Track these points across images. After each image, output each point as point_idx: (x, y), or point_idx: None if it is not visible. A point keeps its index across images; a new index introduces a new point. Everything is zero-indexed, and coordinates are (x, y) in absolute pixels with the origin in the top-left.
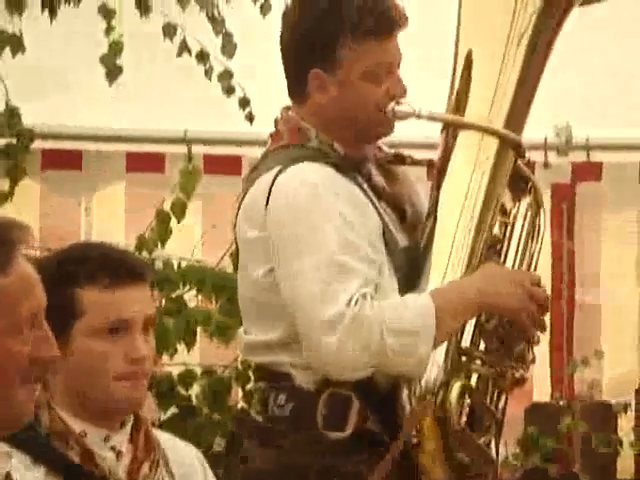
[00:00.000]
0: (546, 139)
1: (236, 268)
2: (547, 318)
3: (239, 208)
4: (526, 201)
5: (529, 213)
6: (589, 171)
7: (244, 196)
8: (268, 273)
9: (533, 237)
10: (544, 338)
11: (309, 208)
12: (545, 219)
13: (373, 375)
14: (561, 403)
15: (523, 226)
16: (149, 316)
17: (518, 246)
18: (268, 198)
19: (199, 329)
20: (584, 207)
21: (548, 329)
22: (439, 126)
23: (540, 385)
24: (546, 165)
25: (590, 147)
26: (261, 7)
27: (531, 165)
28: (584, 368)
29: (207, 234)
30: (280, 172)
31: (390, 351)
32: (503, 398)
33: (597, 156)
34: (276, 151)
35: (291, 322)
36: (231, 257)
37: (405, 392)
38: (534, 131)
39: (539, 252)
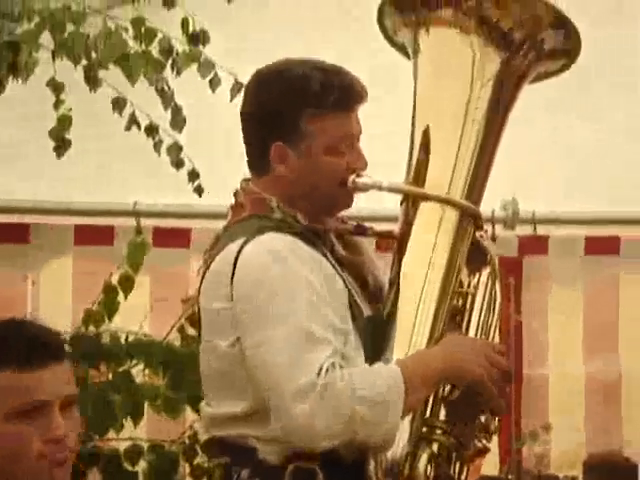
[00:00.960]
0: (493, 213)
1: (185, 341)
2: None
3: (202, 280)
4: (486, 272)
5: (488, 285)
6: (536, 245)
7: (207, 268)
8: (233, 344)
9: (491, 308)
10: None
11: (277, 277)
12: (502, 290)
13: (338, 448)
14: (510, 477)
15: (483, 297)
16: (67, 396)
17: (479, 317)
18: (234, 269)
19: (146, 404)
20: (531, 280)
21: None
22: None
23: (488, 458)
24: (493, 239)
25: (536, 221)
26: (210, 81)
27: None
28: (532, 441)
29: (156, 307)
30: (246, 243)
31: (360, 420)
32: (465, 469)
33: (543, 230)
34: (239, 222)
35: (257, 394)
36: (179, 330)
37: (372, 464)
38: (481, 205)
39: (496, 323)
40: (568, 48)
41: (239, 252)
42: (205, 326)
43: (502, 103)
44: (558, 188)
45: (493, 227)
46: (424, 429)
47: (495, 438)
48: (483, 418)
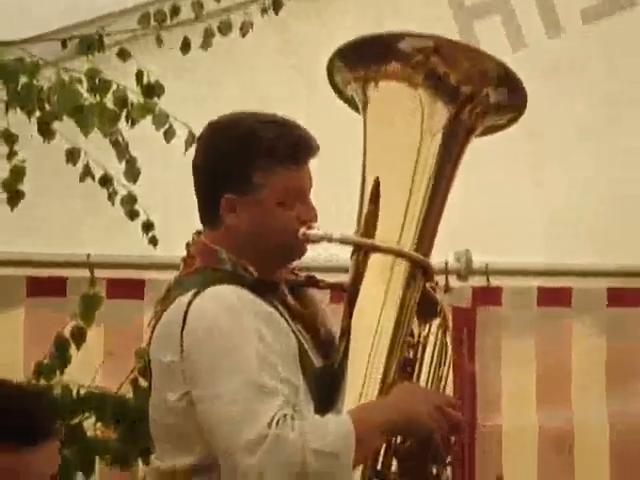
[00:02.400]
0: (447, 264)
1: (137, 394)
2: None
3: (152, 332)
4: (436, 323)
5: (439, 335)
6: (489, 295)
7: (157, 321)
8: (183, 397)
9: (442, 359)
10: None
11: (227, 329)
12: (451, 342)
13: None
14: None
15: (434, 348)
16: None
17: (430, 367)
18: (184, 321)
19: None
20: (484, 331)
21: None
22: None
23: None
24: (447, 289)
25: (490, 272)
26: (165, 133)
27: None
28: None
29: (108, 360)
30: (196, 295)
31: (312, 472)
32: None
33: (497, 281)
34: (190, 275)
35: (206, 447)
36: (132, 383)
37: None
38: (435, 256)
39: (447, 374)
40: (515, 103)
41: (189, 304)
42: (155, 379)
43: (451, 155)
44: (511, 239)
45: (447, 278)
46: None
47: None
48: (434, 469)
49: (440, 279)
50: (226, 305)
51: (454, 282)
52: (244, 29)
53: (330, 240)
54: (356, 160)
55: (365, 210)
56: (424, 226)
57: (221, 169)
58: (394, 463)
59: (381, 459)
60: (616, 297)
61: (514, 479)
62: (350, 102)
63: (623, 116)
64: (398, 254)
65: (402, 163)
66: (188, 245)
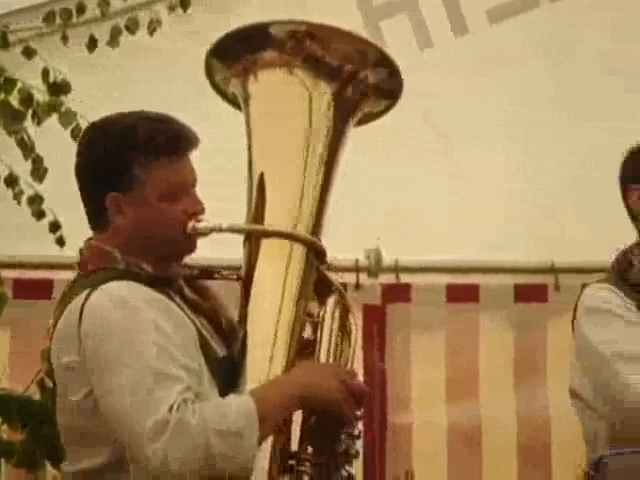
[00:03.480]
0: (357, 261)
1: (44, 395)
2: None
3: (52, 336)
4: (332, 302)
5: (336, 314)
6: (398, 292)
7: (55, 323)
8: (88, 395)
9: (343, 337)
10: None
11: (122, 323)
12: (355, 320)
13: None
14: None
15: (332, 326)
16: None
17: (329, 345)
18: (80, 320)
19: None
20: (394, 328)
21: (361, 450)
22: None
23: None
24: (357, 286)
25: (399, 269)
26: (72, 131)
27: (344, 286)
28: None
29: (15, 361)
30: (90, 294)
31: (216, 453)
32: None
33: (406, 278)
34: (84, 277)
35: (114, 445)
36: (39, 384)
37: None
38: (345, 253)
39: (353, 353)
40: (392, 88)
41: (84, 303)
42: (59, 383)
43: (335, 138)
44: (420, 237)
45: (357, 276)
46: (290, 461)
47: None
48: (344, 443)
49: (350, 277)
50: (120, 299)
51: (364, 279)
52: (151, 27)
53: (220, 230)
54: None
55: (255, 198)
56: (313, 210)
57: (102, 169)
58: (306, 442)
59: (292, 439)
60: (523, 293)
61: (424, 474)
62: (234, 102)
63: (530, 113)
64: (288, 237)
65: (289, 150)
66: (81, 251)
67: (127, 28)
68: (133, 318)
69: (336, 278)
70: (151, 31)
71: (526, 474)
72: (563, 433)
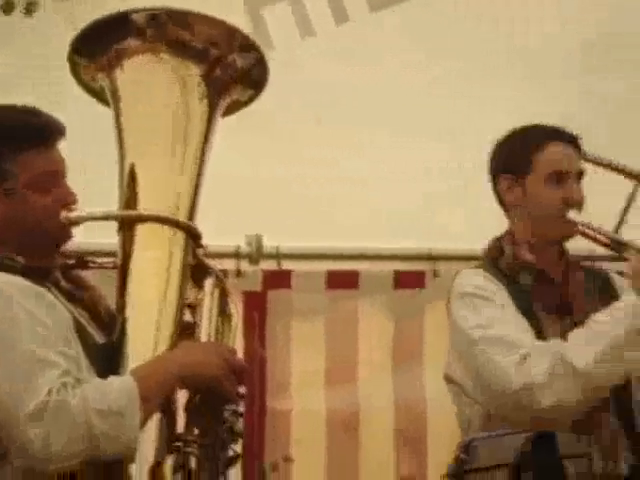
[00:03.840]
0: (238, 248)
1: None
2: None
3: None
4: (209, 283)
5: (215, 295)
6: (279, 279)
7: None
8: None
9: (224, 320)
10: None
11: None
12: (235, 303)
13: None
14: None
15: (211, 307)
16: None
17: (209, 324)
18: None
19: None
20: (275, 314)
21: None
22: None
23: None
24: (238, 273)
25: (280, 256)
26: None
27: (224, 273)
28: (273, 473)
29: None
30: None
31: (98, 433)
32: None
33: (287, 264)
34: None
35: None
36: None
37: None
38: (226, 240)
39: (234, 334)
40: (259, 73)
41: None
42: None
43: (206, 121)
44: (301, 223)
45: (238, 262)
46: (176, 443)
47: (238, 471)
48: (228, 422)
49: (231, 263)
50: None
51: (245, 266)
52: (29, 9)
53: (94, 219)
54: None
55: (127, 186)
56: (187, 194)
57: None
58: (191, 424)
59: (177, 421)
60: (402, 280)
61: (303, 460)
62: (100, 96)
63: (413, 102)
64: (165, 222)
65: (160, 136)
66: None
67: (2, 8)
68: (7, 307)
69: (212, 262)
70: (28, 10)
71: (403, 459)
72: (439, 418)
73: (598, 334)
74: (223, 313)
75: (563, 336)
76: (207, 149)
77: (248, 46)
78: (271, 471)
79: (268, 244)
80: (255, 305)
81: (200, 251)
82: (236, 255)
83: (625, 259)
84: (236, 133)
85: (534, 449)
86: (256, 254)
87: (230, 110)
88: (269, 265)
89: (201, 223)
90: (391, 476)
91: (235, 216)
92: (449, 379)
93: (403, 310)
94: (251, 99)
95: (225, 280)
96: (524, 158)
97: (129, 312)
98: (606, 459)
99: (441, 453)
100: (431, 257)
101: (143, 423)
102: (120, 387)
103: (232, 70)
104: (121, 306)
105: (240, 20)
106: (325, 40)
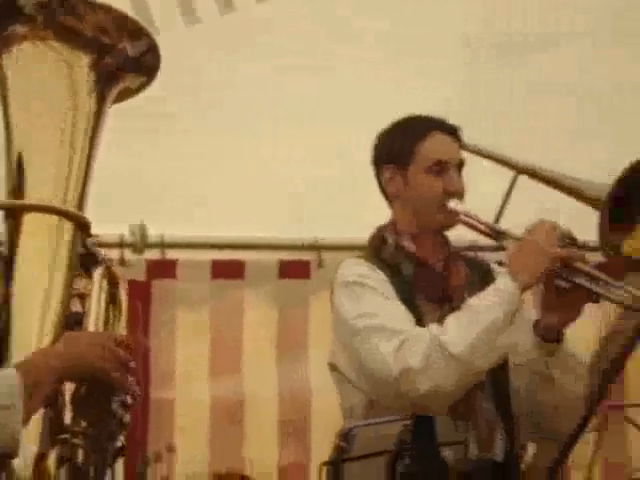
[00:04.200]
0: (122, 237)
1: None
2: None
3: None
4: (98, 273)
5: (104, 285)
6: (164, 268)
7: None
8: None
9: (114, 309)
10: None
11: None
12: (122, 291)
13: None
14: None
15: (99, 297)
16: None
17: (97, 315)
18: None
19: None
20: (159, 304)
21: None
22: None
23: None
24: (122, 262)
25: (165, 245)
26: None
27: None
28: (157, 463)
29: None
30: None
31: None
32: (108, 471)
33: (172, 254)
34: None
35: None
36: None
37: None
38: (110, 229)
39: (121, 323)
40: (150, 62)
41: None
42: None
43: (95, 109)
44: (187, 212)
45: (122, 251)
46: (63, 435)
47: (120, 462)
48: (116, 413)
49: (115, 252)
50: None
51: (129, 255)
52: None
53: None
54: None
55: (14, 175)
56: (76, 183)
57: None
58: (78, 415)
59: (64, 412)
60: (287, 269)
61: (186, 449)
62: None
63: (297, 90)
64: (52, 211)
65: (48, 124)
66: None
67: None
68: None
69: (101, 251)
70: None
71: (286, 447)
72: (324, 408)
73: (472, 319)
74: (113, 303)
75: (441, 322)
76: (97, 138)
77: (139, 33)
78: (154, 461)
79: (152, 233)
80: (139, 294)
81: (90, 241)
82: (120, 244)
83: (504, 248)
84: (119, 122)
85: (412, 437)
86: (140, 243)
87: (121, 97)
88: (153, 254)
89: (85, 211)
90: (274, 465)
91: (119, 204)
92: (333, 367)
93: (288, 300)
94: (143, 86)
95: (113, 269)
96: (406, 148)
97: (14, 302)
98: (481, 445)
99: (325, 442)
100: (316, 246)
101: (27, 418)
102: (3, 382)
103: (123, 58)
104: (6, 296)
105: (124, 8)
106: (210, 28)
